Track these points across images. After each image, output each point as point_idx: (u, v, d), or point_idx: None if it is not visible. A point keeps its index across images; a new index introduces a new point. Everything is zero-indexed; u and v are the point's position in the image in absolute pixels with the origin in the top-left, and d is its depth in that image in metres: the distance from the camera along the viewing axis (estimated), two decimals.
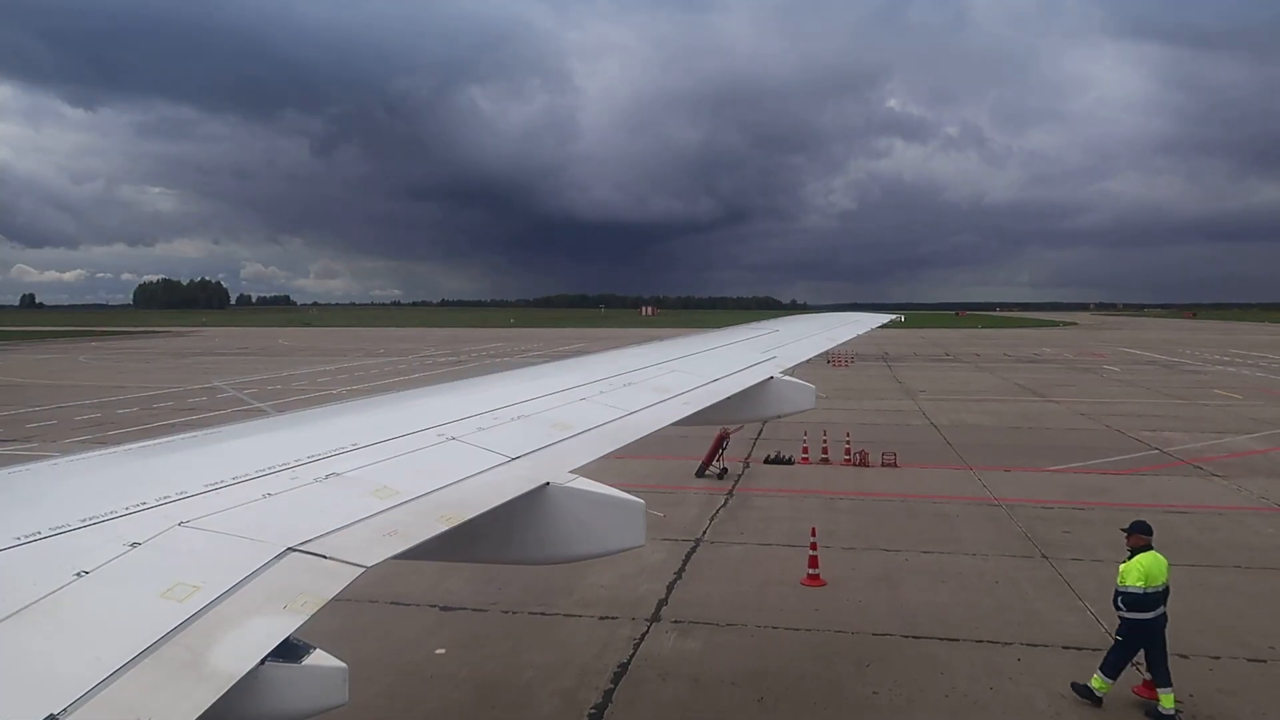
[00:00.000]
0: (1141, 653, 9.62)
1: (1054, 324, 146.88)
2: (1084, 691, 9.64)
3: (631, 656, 10.88)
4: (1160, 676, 9.42)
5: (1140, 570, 9.49)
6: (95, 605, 2.46)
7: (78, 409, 35.07)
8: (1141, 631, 9.50)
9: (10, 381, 48.03)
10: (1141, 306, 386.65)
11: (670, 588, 13.33)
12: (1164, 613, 9.58)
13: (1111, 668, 9.56)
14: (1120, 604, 9.56)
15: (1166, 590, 9.63)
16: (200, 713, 2.12)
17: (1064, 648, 11.01)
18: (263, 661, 2.41)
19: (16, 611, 2.33)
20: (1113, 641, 9.87)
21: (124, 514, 3.06)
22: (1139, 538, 9.78)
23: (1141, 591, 9.43)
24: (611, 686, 10.07)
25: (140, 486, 3.40)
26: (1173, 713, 9.23)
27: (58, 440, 27.25)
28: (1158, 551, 9.74)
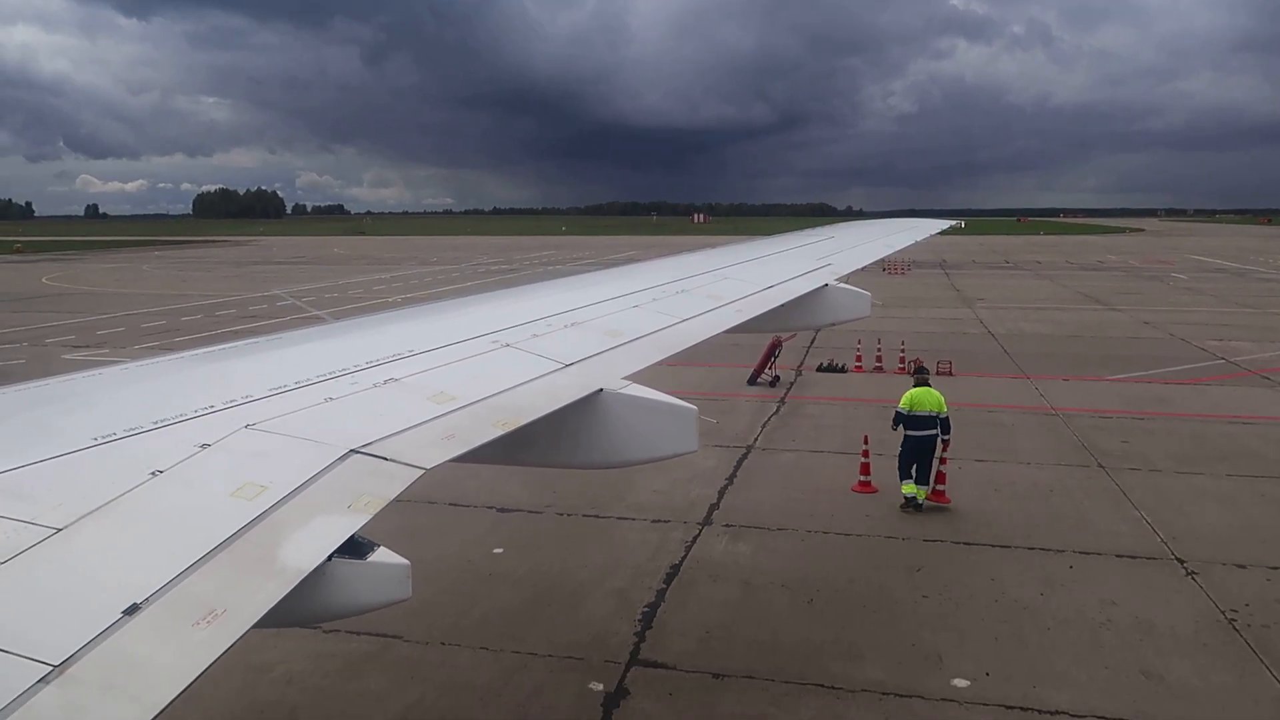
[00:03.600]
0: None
1: (1120, 230, 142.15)
2: (910, 502, 12.60)
3: (683, 559, 11.12)
4: (921, 479, 12.62)
5: (908, 397, 12.79)
6: (170, 503, 2.56)
7: (144, 316, 36.06)
8: (911, 445, 12.63)
9: (79, 290, 49.45)
10: (1213, 212, 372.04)
11: (721, 493, 13.50)
12: (933, 436, 12.59)
13: (902, 473, 12.72)
14: (894, 422, 12.89)
15: (937, 420, 12.59)
16: (272, 605, 2.22)
17: (1117, 556, 10.99)
18: (330, 558, 2.51)
19: (98, 508, 2.44)
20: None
21: (193, 416, 3.17)
22: (917, 377, 13.35)
23: (905, 412, 12.67)
24: (664, 587, 10.33)
25: (207, 390, 3.50)
26: (921, 502, 12.58)
27: (127, 346, 28.14)
28: (932, 388, 12.94)
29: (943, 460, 12.90)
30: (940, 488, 12.89)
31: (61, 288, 50.90)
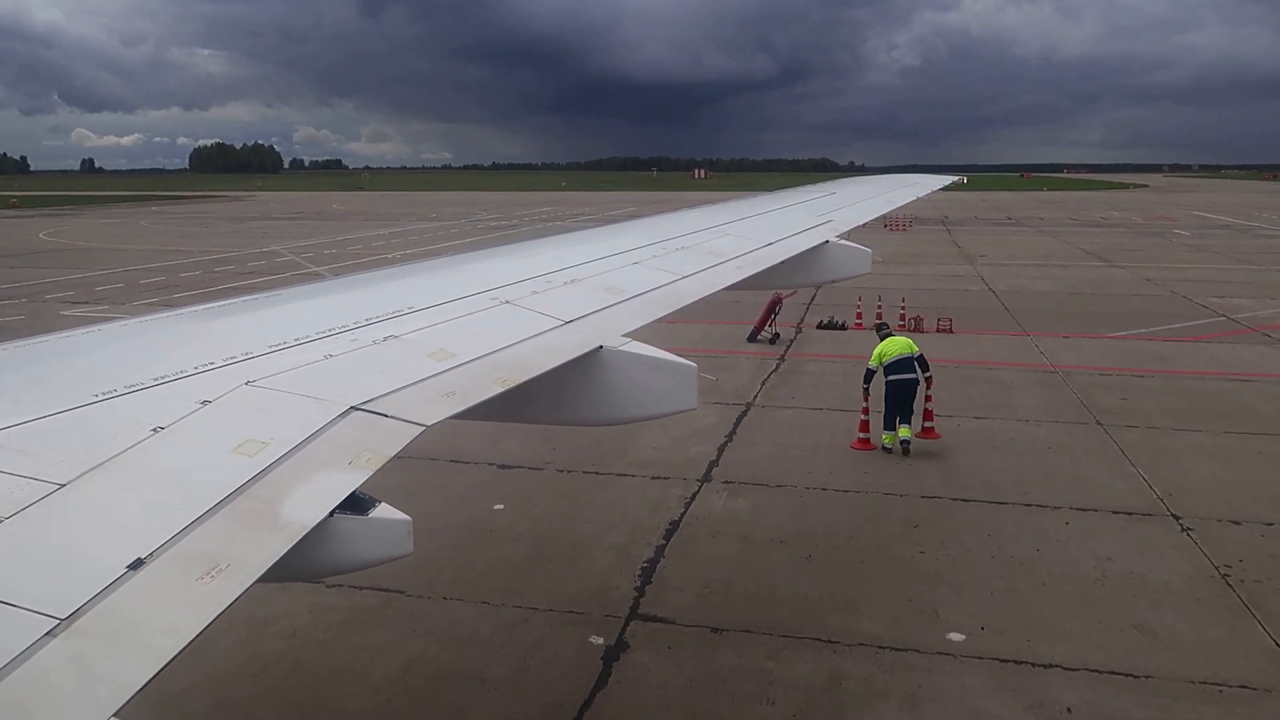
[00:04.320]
0: None
1: (1124, 186, 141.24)
2: (905, 448, 13.15)
3: (683, 515, 11.20)
4: (904, 418, 13.15)
5: (876, 352, 13.47)
6: (172, 459, 2.58)
7: (143, 272, 35.96)
8: (893, 390, 13.17)
9: (77, 245, 49.24)
10: (1219, 167, 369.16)
11: (721, 450, 13.56)
12: (914, 379, 13.12)
13: (886, 422, 13.26)
14: (865, 379, 13.72)
15: (909, 362, 13.14)
16: (275, 560, 2.24)
17: (1113, 512, 11.07)
18: (331, 514, 2.53)
19: (100, 464, 2.45)
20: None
21: (194, 373, 3.17)
22: (881, 332, 14.21)
23: (876, 367, 13.38)
24: (663, 543, 10.41)
25: (208, 347, 3.50)
26: (908, 440, 13.15)
27: (126, 302, 28.09)
28: (905, 337, 13.90)
29: (928, 398, 13.63)
30: (929, 424, 13.65)
31: (59, 243, 50.69)
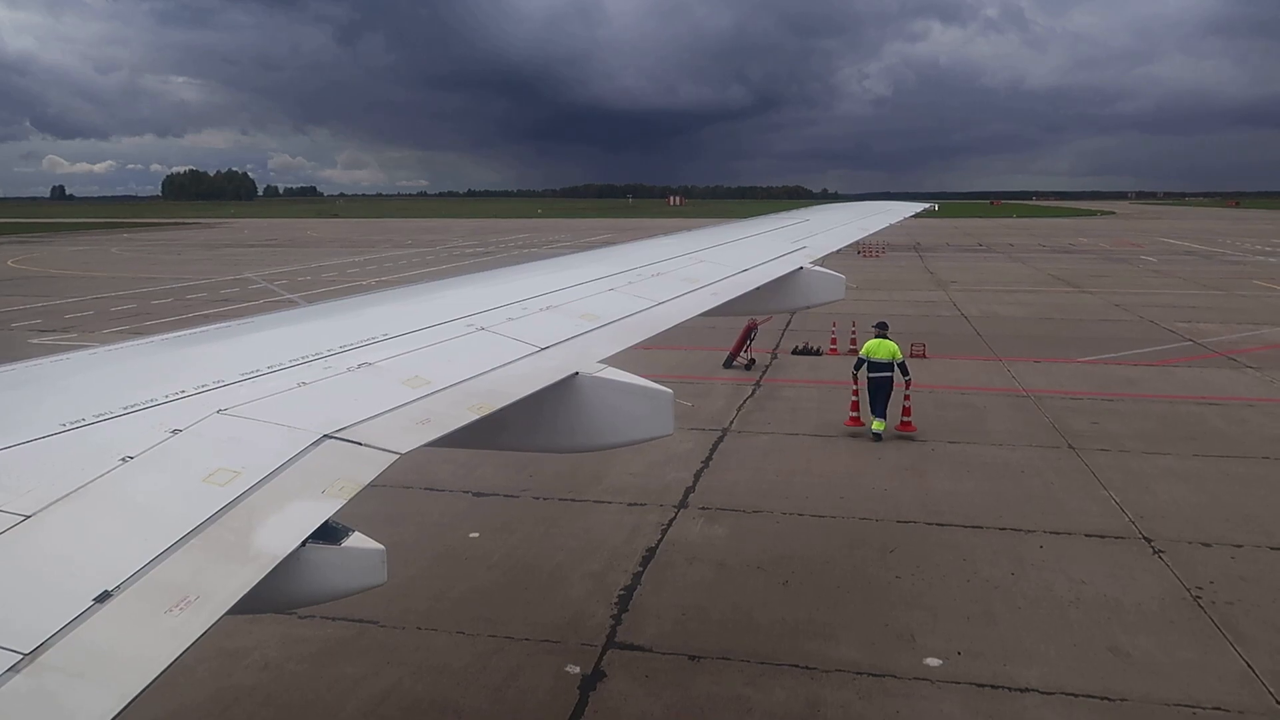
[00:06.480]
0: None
1: (1091, 213, 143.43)
2: (876, 437, 15.16)
3: (659, 541, 11.16)
4: (879, 413, 15.19)
5: (867, 345, 15.54)
6: (141, 489, 2.54)
7: (114, 300, 35.57)
8: (872, 385, 15.27)
9: (46, 273, 48.67)
10: (1183, 195, 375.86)
11: (698, 476, 13.56)
12: (889, 377, 15.20)
13: (873, 410, 15.27)
14: (855, 366, 15.80)
15: (891, 365, 15.22)
16: (246, 591, 2.21)
17: (1086, 535, 11.15)
18: (304, 543, 2.50)
19: (67, 494, 2.41)
20: None
21: (164, 402, 3.13)
22: (877, 330, 15.93)
23: (864, 357, 15.42)
24: (640, 569, 10.36)
25: (178, 375, 3.46)
26: (880, 432, 15.17)
27: (96, 330, 27.75)
28: (893, 343, 15.54)
29: (906, 396, 15.57)
30: (906, 419, 15.53)
31: (28, 271, 50.07)
